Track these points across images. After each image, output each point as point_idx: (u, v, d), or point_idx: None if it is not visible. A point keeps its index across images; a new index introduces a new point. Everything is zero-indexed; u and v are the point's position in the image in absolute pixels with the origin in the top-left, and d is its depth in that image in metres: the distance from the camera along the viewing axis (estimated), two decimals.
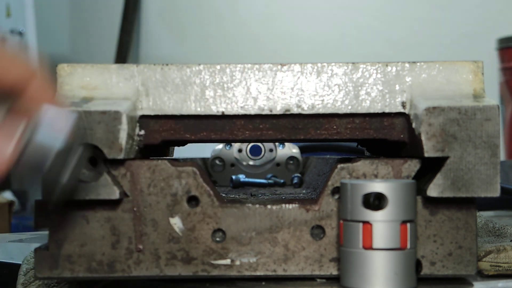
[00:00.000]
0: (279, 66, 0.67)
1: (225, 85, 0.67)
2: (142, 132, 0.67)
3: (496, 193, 0.63)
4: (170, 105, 0.67)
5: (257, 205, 0.65)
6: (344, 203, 0.62)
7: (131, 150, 0.65)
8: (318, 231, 0.66)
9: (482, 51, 2.49)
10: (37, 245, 0.73)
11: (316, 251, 0.65)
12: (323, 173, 0.98)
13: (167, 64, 0.67)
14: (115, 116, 0.63)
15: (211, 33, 3.43)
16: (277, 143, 1.27)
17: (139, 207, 0.65)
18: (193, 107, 0.67)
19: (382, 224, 0.60)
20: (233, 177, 1.22)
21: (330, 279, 0.66)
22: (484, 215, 0.90)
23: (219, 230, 0.65)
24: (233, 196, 0.94)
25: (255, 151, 1.28)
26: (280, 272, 0.65)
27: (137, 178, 0.65)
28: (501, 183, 0.69)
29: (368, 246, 0.60)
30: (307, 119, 0.67)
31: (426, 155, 0.63)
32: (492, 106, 0.63)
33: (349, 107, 0.66)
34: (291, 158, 1.28)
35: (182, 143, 0.83)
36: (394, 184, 0.61)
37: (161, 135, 0.67)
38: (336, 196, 0.65)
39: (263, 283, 0.65)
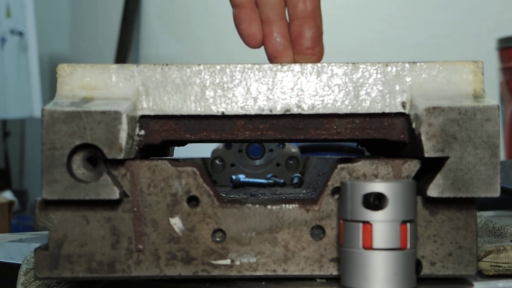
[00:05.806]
0: (279, 66, 0.67)
1: (225, 85, 0.67)
2: (142, 132, 0.67)
3: (496, 193, 0.63)
4: (170, 105, 0.66)
5: (257, 205, 0.65)
6: (344, 203, 0.62)
7: (131, 150, 0.65)
8: (318, 231, 0.66)
9: (482, 51, 2.49)
10: (37, 245, 0.73)
11: (316, 251, 0.65)
12: (323, 173, 0.98)
13: (167, 64, 0.67)
14: (115, 116, 0.63)
15: (211, 33, 3.43)
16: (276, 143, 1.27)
17: (139, 207, 0.65)
18: (193, 107, 0.67)
19: (382, 224, 0.60)
20: (233, 177, 1.22)
21: (330, 279, 0.66)
22: (484, 215, 0.90)
23: (219, 230, 0.65)
24: (233, 196, 0.94)
25: (255, 151, 1.28)
26: (280, 272, 0.65)
27: (137, 178, 0.65)
28: (501, 183, 0.69)
29: (368, 246, 0.60)
30: (307, 119, 0.67)
31: (426, 155, 0.63)
32: (492, 106, 0.63)
33: (349, 107, 0.66)
34: (291, 158, 1.28)
35: (182, 143, 0.83)
36: (394, 184, 0.61)
37: (161, 135, 0.67)
38: (336, 196, 0.65)
39: (263, 283, 0.65)
